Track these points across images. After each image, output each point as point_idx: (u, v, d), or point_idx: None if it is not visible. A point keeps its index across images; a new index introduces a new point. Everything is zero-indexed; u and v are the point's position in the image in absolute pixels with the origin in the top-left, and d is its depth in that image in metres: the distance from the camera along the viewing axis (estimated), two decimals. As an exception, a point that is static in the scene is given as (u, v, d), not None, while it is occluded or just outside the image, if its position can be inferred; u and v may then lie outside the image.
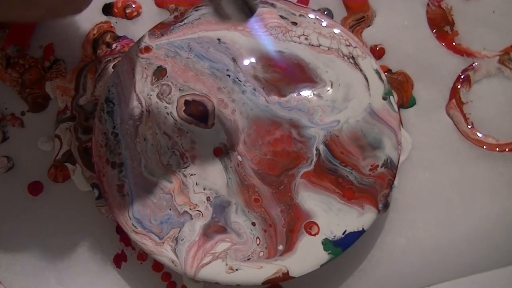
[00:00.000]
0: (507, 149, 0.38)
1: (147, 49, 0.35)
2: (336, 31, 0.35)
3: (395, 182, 0.35)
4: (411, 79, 0.39)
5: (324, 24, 0.35)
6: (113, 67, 0.38)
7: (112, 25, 0.39)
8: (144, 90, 0.35)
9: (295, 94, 0.35)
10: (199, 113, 0.35)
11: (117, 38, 0.39)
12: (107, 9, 0.39)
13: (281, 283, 0.36)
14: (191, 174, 0.34)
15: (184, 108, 0.35)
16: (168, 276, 0.36)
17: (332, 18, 0.39)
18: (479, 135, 0.38)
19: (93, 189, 0.37)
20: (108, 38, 0.39)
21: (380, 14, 0.39)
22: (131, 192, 0.34)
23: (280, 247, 0.33)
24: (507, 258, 0.37)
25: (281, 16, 0.35)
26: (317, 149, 0.34)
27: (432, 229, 0.37)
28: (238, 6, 0.26)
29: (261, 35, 0.35)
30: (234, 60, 0.35)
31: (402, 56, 0.39)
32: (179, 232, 0.33)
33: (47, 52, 0.38)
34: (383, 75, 0.35)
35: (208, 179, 0.34)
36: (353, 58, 0.35)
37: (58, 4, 0.23)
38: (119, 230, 0.37)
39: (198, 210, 0.34)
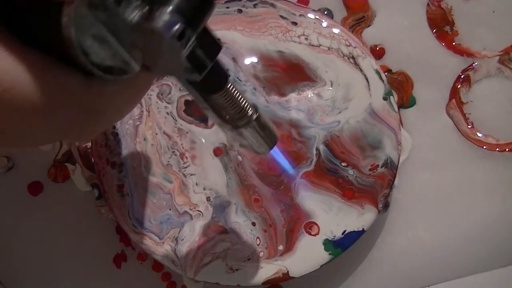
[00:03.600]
0: (507, 149, 0.38)
1: (147, 49, 0.35)
2: (336, 31, 0.35)
3: (395, 182, 0.35)
4: (411, 79, 0.38)
5: (324, 24, 0.35)
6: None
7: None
8: (144, 90, 0.35)
9: (295, 94, 0.35)
10: (199, 113, 0.35)
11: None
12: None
13: (281, 283, 0.36)
14: (191, 174, 0.34)
15: (184, 108, 0.35)
16: (168, 276, 0.36)
17: (332, 18, 0.38)
18: (479, 135, 0.38)
19: (93, 189, 0.37)
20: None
21: (380, 14, 0.39)
22: (131, 192, 0.34)
23: (280, 247, 0.33)
24: (507, 258, 0.36)
25: (281, 16, 0.35)
26: (317, 149, 0.34)
27: (432, 229, 0.37)
28: (260, 138, 0.24)
29: (279, 157, 0.34)
30: (234, 59, 0.35)
31: (402, 56, 0.39)
32: (179, 232, 0.33)
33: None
34: (383, 75, 0.35)
35: (208, 179, 0.34)
36: (353, 58, 0.35)
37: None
38: (119, 230, 0.37)
39: (198, 210, 0.34)
